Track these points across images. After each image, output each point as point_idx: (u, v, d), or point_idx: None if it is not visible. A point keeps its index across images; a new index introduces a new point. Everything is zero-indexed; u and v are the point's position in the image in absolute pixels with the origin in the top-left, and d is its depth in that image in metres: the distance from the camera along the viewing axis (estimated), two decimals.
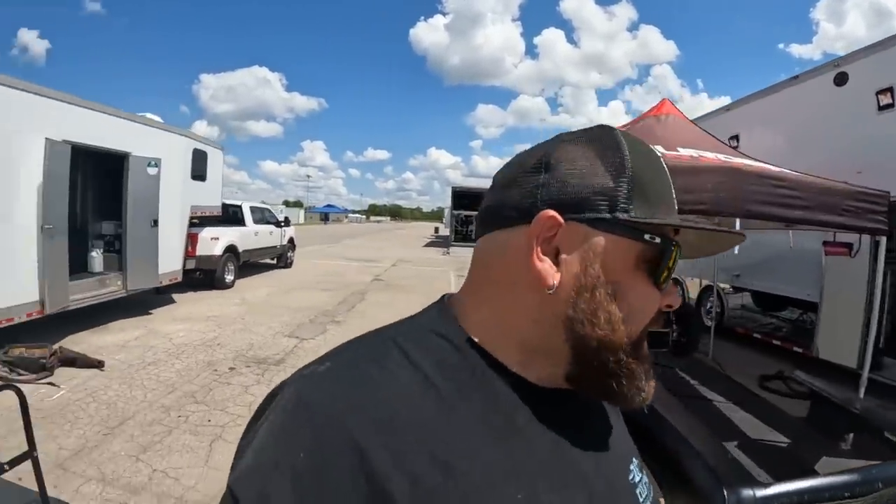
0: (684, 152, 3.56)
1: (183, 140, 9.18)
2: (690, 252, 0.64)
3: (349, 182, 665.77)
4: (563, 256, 0.55)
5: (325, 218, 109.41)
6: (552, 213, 0.54)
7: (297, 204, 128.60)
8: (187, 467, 3.56)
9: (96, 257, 8.22)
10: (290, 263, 16.14)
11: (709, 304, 8.53)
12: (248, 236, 12.54)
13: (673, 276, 0.58)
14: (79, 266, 7.84)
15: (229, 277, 11.36)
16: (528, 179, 0.57)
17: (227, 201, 11.95)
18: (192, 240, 9.88)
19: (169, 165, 8.29)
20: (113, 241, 8.51)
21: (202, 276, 10.61)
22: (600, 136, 0.59)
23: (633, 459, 0.69)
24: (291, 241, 16.11)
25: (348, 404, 0.49)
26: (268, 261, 15.31)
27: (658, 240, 0.55)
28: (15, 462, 2.17)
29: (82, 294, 7.32)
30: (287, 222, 15.45)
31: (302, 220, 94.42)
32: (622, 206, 0.54)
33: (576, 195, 0.55)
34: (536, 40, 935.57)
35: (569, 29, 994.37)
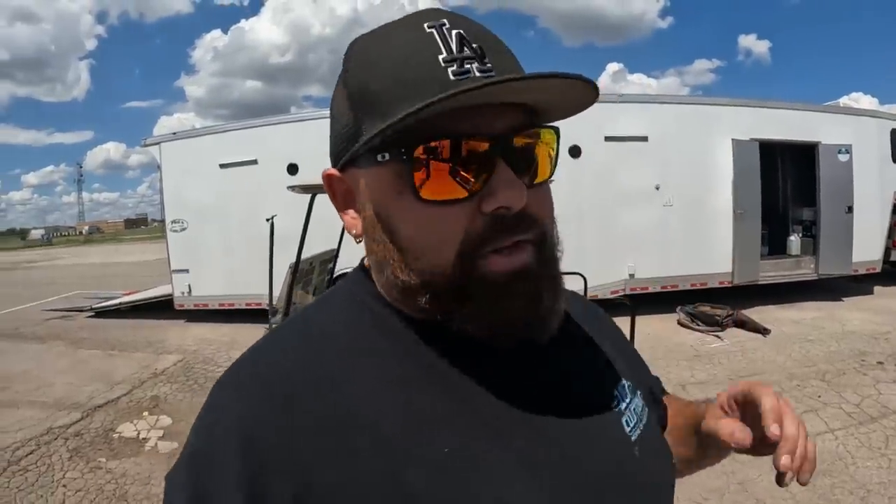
0: None
1: (874, 122, 8.66)
2: (552, 115, 0.53)
3: None
4: (358, 203, 0.54)
5: None
6: (329, 170, 0.55)
7: None
8: None
9: (794, 241, 8.92)
10: None
11: None
12: None
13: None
14: (779, 247, 8.89)
15: None
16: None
17: None
18: None
19: (861, 150, 8.14)
20: (809, 226, 8.96)
21: None
22: (342, 64, 0.54)
23: (622, 384, 0.62)
24: None
25: (247, 393, 0.50)
26: None
27: (387, 155, 0.48)
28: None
29: (773, 272, 8.33)
30: None
31: None
32: (354, 133, 0.50)
33: (335, 141, 0.54)
34: None
35: None
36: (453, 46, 0.47)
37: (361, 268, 0.60)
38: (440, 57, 0.47)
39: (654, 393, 0.74)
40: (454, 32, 0.48)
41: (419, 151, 0.47)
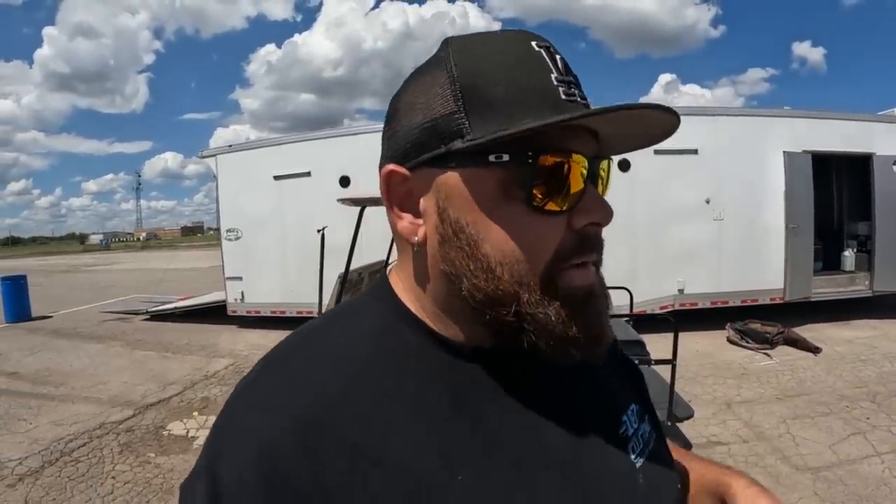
0: None
1: None
2: (615, 147, 0.54)
3: None
4: (423, 207, 0.51)
5: None
6: (391, 167, 0.51)
7: None
8: (813, 441, 4.09)
9: (848, 256, 8.70)
10: None
11: None
12: None
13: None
14: (833, 263, 8.69)
15: None
16: (384, 137, 0.54)
17: None
18: None
19: None
20: (864, 240, 8.71)
21: None
22: (433, 58, 0.52)
23: (630, 408, 0.63)
24: None
25: (265, 412, 0.47)
26: None
27: (506, 157, 0.46)
28: (660, 362, 3.60)
29: (826, 289, 8.12)
30: None
31: None
32: (456, 130, 0.47)
33: (411, 138, 0.50)
34: None
35: None
36: (561, 69, 0.49)
37: (386, 285, 0.58)
38: (552, 76, 0.48)
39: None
40: (558, 57, 0.50)
41: (546, 159, 0.47)
